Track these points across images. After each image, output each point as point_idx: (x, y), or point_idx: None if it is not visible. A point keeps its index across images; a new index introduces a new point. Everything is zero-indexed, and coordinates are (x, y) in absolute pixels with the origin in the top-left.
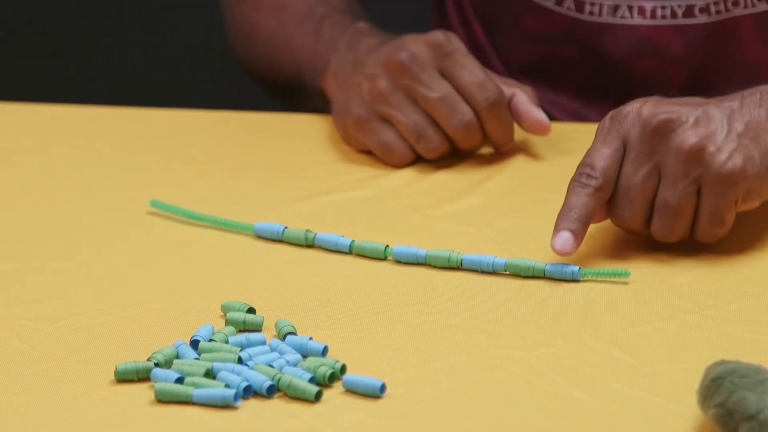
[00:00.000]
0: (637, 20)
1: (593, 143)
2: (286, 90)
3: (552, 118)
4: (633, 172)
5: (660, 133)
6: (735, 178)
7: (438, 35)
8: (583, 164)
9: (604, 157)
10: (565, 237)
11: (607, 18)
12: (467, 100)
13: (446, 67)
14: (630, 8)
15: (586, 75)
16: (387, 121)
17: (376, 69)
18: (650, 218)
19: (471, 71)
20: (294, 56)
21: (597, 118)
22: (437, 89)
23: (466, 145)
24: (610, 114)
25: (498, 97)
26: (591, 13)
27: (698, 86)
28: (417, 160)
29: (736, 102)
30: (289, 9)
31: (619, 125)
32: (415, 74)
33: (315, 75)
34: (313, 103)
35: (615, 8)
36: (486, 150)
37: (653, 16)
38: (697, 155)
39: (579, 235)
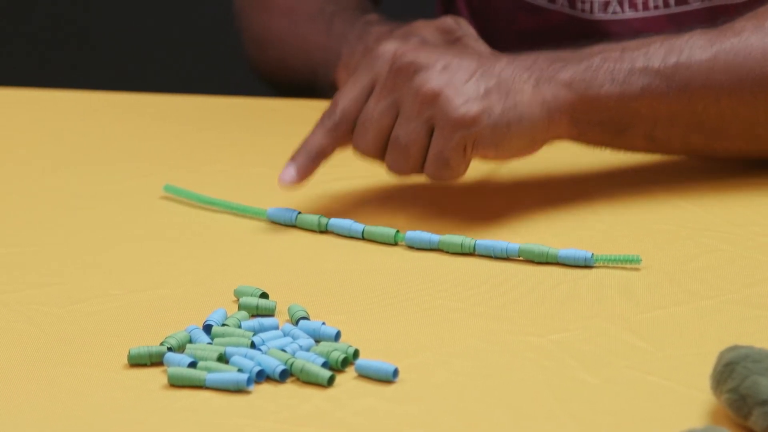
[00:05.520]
0: (629, 14)
1: (347, 81)
2: (302, 91)
3: None
4: (373, 106)
5: (404, 73)
6: (465, 123)
7: (448, 20)
8: (331, 102)
9: (348, 98)
10: (289, 170)
11: (599, 15)
12: None
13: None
14: (621, 3)
15: None
16: None
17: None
18: (384, 154)
19: None
20: (307, 56)
21: None
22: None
23: None
24: (365, 49)
25: None
26: (583, 10)
27: None
28: None
29: (505, 60)
30: (299, 10)
31: (372, 63)
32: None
33: (328, 70)
34: (328, 98)
35: (606, 4)
36: None
37: (645, 7)
38: (432, 97)
39: (303, 169)
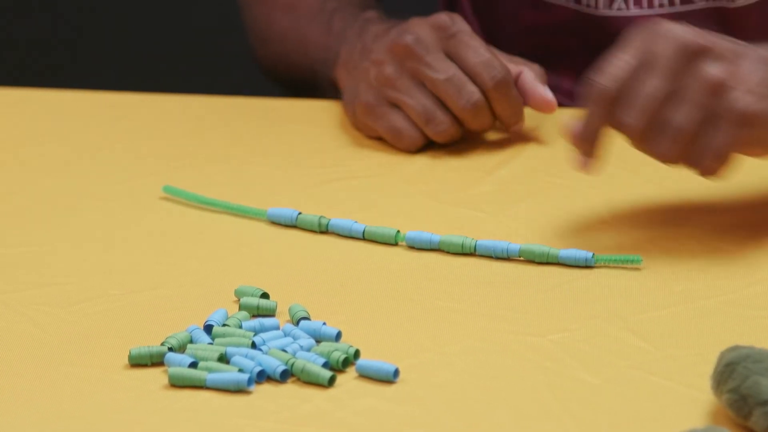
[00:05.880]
0: (634, 11)
1: (618, 51)
2: (303, 88)
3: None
4: (649, 82)
5: (692, 56)
6: (749, 120)
7: (442, 17)
8: (598, 75)
9: (619, 70)
10: (582, 160)
11: (603, 11)
12: (474, 80)
13: (451, 48)
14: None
15: (587, 63)
16: (395, 106)
17: (382, 54)
18: (649, 135)
19: (476, 51)
20: (307, 52)
21: None
22: (443, 71)
23: (476, 125)
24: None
25: (505, 76)
26: (588, 5)
27: None
28: (429, 145)
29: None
30: (300, 6)
31: (651, 41)
32: (421, 57)
33: (327, 68)
34: (328, 97)
35: (611, 1)
36: (499, 136)
37: (650, 5)
38: (718, 88)
39: (592, 155)
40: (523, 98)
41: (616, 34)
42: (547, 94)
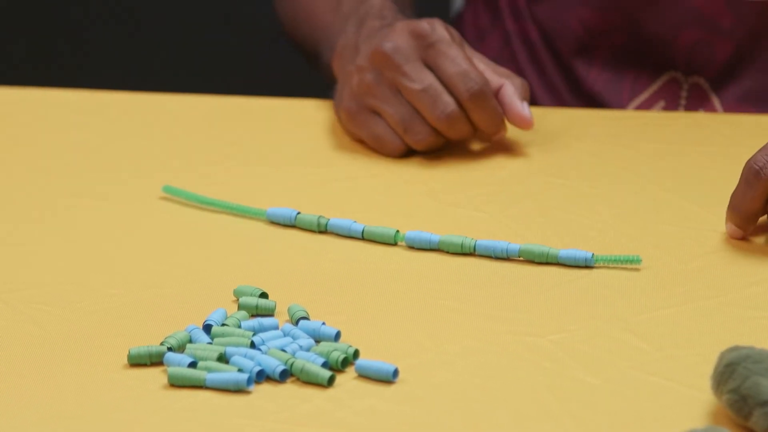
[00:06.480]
0: None
1: None
2: (309, 57)
3: (585, 89)
4: None
5: None
6: None
7: (423, 24)
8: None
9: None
10: (732, 227)
11: None
12: (450, 90)
13: (430, 57)
14: None
15: (625, 43)
16: (377, 113)
17: (364, 60)
18: None
19: (454, 61)
20: (313, 29)
21: (630, 88)
22: (419, 81)
23: (453, 135)
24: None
25: (481, 87)
26: None
27: (742, 60)
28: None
29: None
30: None
31: None
32: (399, 66)
33: (328, 51)
34: (326, 77)
35: None
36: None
37: None
38: None
39: (744, 229)
40: (504, 112)
41: (666, 12)
42: (524, 110)
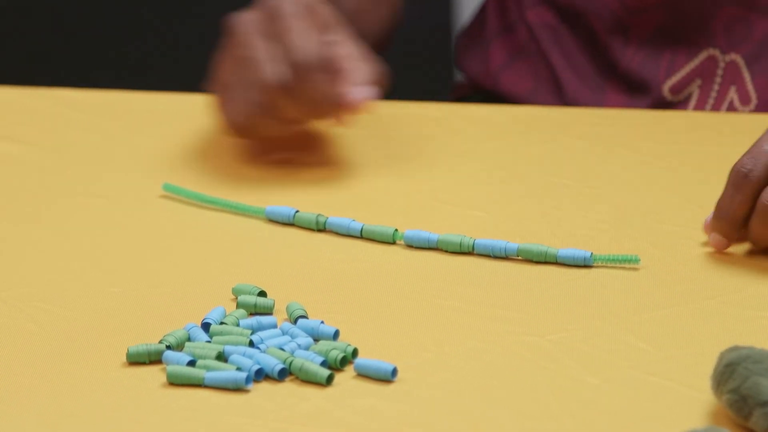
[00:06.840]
0: None
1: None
2: None
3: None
4: None
5: None
6: None
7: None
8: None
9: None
10: (716, 237)
11: None
12: (286, 61)
13: (273, 30)
14: None
15: (663, 20)
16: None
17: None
18: None
19: (291, 33)
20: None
21: (668, 66)
22: (251, 48)
23: (290, 111)
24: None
25: (308, 60)
26: None
27: None
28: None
29: None
30: None
31: None
32: (237, 37)
33: None
34: None
35: None
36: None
37: None
38: None
39: (729, 237)
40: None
41: None
42: (354, 93)
